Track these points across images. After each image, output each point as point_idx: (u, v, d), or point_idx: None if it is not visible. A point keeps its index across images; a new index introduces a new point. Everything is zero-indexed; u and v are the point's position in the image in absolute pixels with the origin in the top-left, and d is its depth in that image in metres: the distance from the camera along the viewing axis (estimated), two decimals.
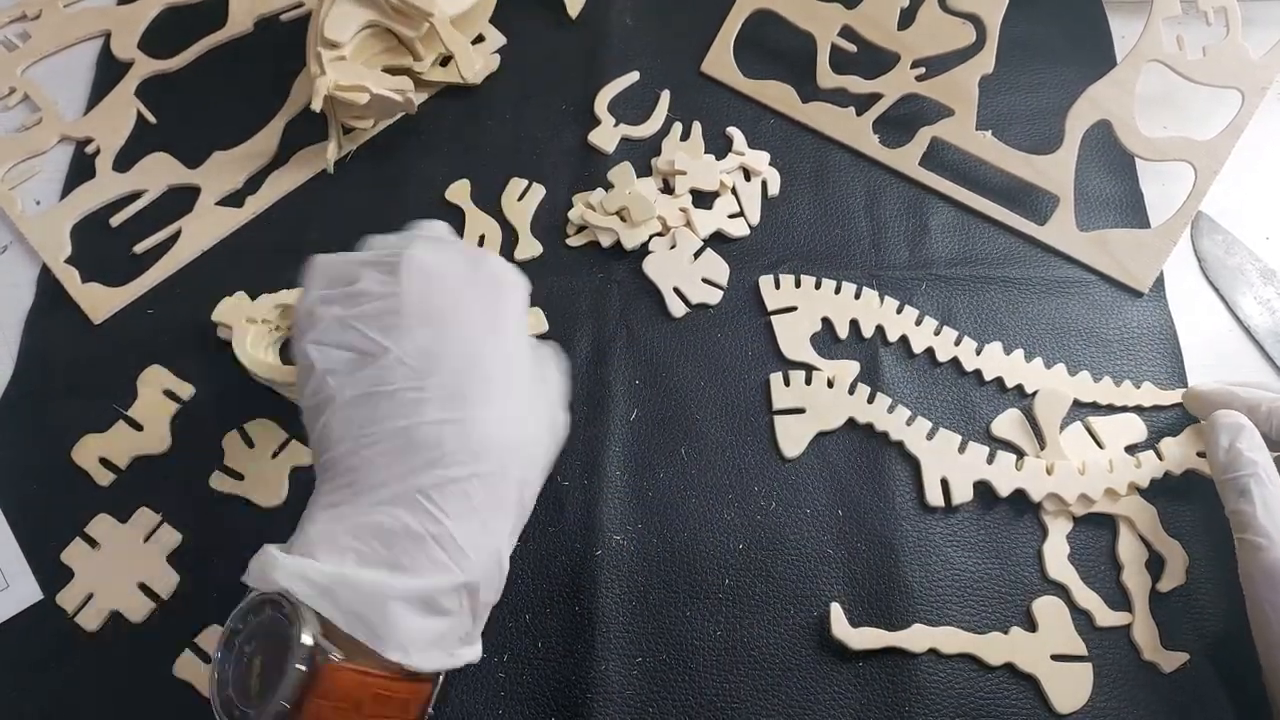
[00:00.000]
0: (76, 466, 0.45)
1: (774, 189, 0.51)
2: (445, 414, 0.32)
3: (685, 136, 0.53)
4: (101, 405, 0.46)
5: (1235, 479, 0.39)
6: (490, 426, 0.33)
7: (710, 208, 0.50)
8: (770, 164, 0.52)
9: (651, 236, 0.49)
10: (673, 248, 0.49)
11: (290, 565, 0.30)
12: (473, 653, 0.33)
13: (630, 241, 0.49)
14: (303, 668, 0.28)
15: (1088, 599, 0.41)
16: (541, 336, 0.47)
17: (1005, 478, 0.43)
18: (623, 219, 0.49)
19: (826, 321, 0.48)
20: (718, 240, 0.50)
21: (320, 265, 0.36)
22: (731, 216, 0.50)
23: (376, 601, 0.29)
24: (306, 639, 0.29)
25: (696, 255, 0.49)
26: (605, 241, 0.49)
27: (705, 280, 0.48)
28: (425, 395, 0.32)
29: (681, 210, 0.50)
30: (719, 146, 0.52)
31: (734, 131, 0.53)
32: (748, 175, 0.51)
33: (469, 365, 0.33)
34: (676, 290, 0.48)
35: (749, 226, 0.50)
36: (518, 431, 0.34)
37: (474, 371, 0.33)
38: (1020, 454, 0.44)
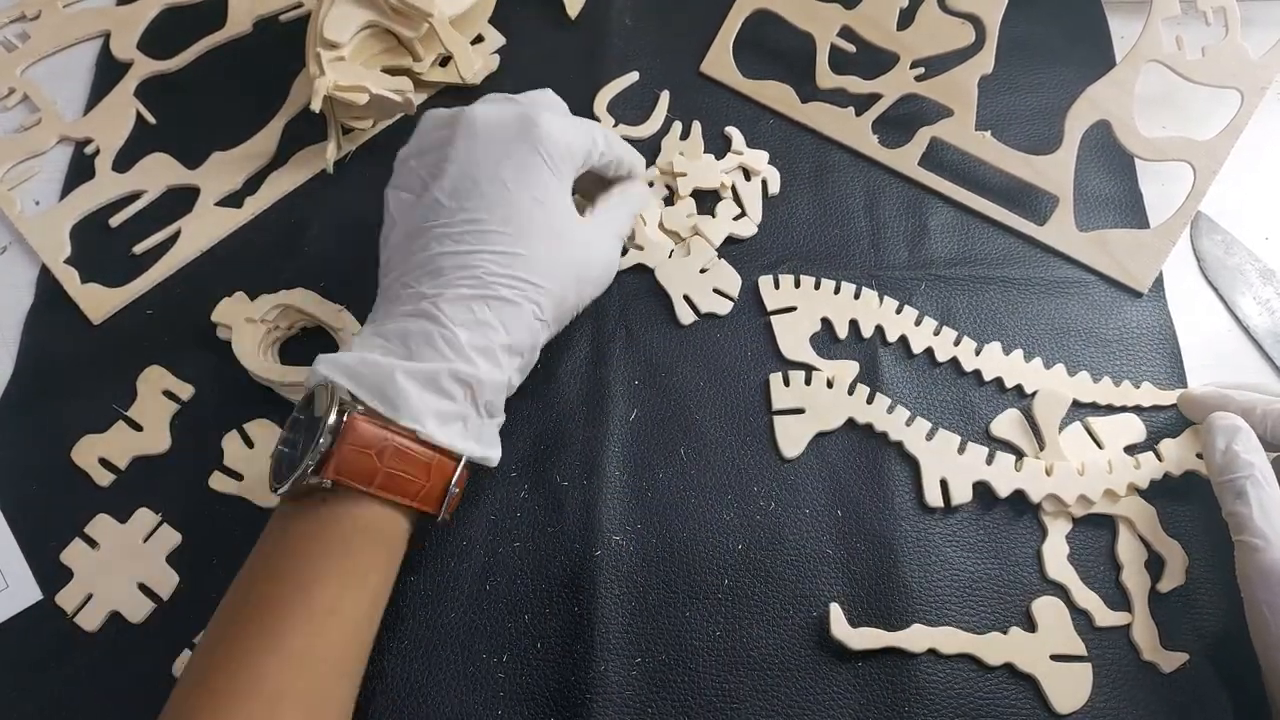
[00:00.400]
0: (76, 467, 0.45)
1: (774, 188, 0.51)
2: (461, 247, 0.38)
3: (685, 136, 0.53)
4: (101, 405, 0.46)
5: (1232, 481, 0.39)
6: (498, 262, 0.38)
7: (713, 210, 0.50)
8: (769, 163, 0.52)
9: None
10: (687, 255, 0.49)
11: (328, 358, 0.37)
12: (487, 450, 0.39)
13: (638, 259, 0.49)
14: (333, 420, 0.34)
15: (1087, 599, 0.41)
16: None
17: (1004, 478, 0.43)
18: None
19: (826, 321, 0.48)
20: (726, 243, 0.50)
21: (423, 121, 0.42)
22: (736, 218, 0.50)
23: (389, 375, 0.35)
24: (334, 408, 0.35)
25: (707, 268, 0.49)
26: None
27: (716, 290, 0.48)
28: (450, 229, 0.38)
29: (688, 216, 0.50)
30: (719, 147, 0.52)
31: (732, 131, 0.53)
32: (747, 175, 0.51)
33: (493, 205, 0.38)
34: (686, 298, 0.48)
35: (755, 226, 0.50)
36: (529, 270, 0.39)
37: (496, 210, 0.38)
38: (1020, 454, 0.44)
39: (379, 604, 0.37)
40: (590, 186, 0.46)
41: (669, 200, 0.51)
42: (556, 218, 0.40)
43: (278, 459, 0.37)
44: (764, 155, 0.52)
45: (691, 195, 0.51)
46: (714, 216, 0.50)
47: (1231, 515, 0.39)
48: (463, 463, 0.37)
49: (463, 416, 0.37)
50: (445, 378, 0.36)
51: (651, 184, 0.51)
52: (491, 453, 0.39)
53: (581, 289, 0.42)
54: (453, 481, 0.37)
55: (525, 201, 0.39)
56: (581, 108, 0.54)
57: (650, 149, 0.53)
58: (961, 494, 0.43)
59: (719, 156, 0.52)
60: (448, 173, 0.39)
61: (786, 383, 0.46)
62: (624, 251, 0.48)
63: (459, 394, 0.37)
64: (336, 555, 0.35)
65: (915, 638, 0.40)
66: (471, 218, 0.38)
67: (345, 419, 0.35)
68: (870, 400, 0.45)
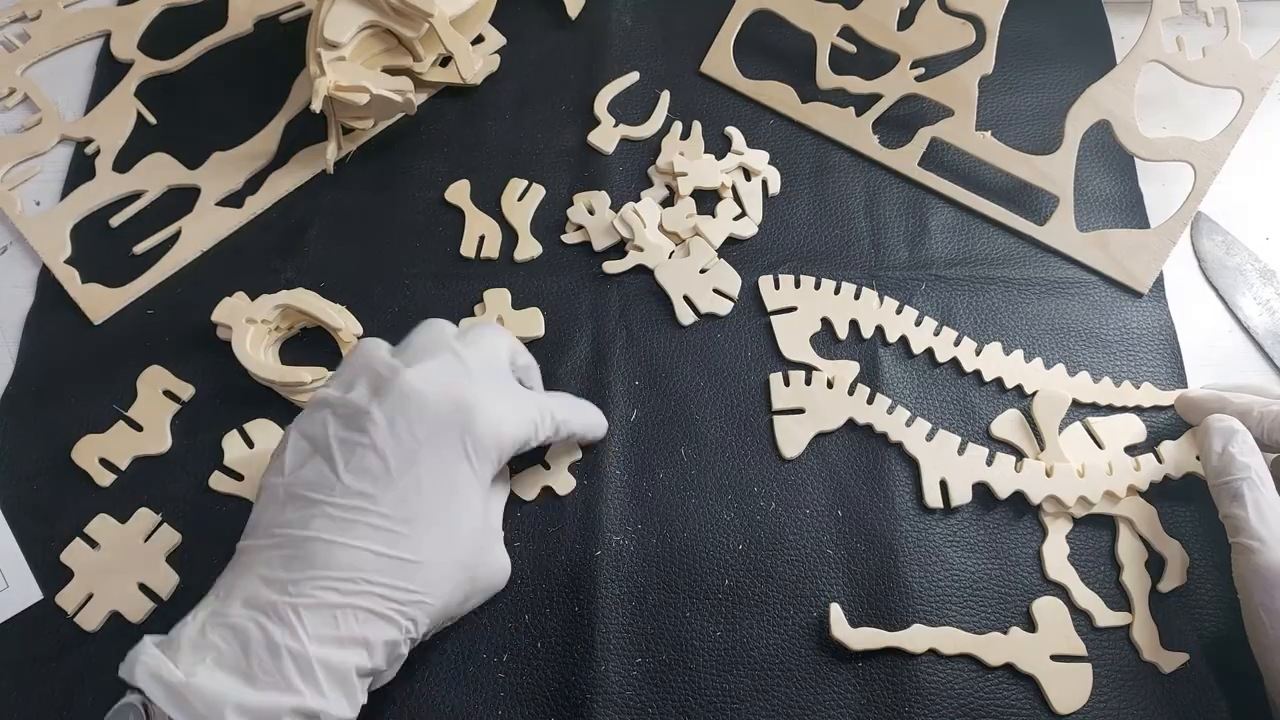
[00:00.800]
0: (76, 466, 0.45)
1: (774, 188, 0.51)
2: (345, 536, 0.33)
3: (685, 136, 0.53)
4: (101, 405, 0.46)
5: (1229, 483, 0.39)
6: (385, 564, 0.33)
7: (713, 210, 0.50)
8: (770, 163, 0.52)
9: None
10: (686, 256, 0.49)
11: (150, 663, 0.31)
12: None
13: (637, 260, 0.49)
14: None
15: (1087, 599, 0.41)
16: (540, 339, 0.47)
17: (1004, 480, 0.43)
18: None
19: (826, 322, 0.48)
20: (726, 243, 0.50)
21: (357, 351, 0.38)
22: (736, 218, 0.50)
23: (217, 709, 0.30)
24: None
25: (707, 268, 0.49)
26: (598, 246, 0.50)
27: (716, 291, 0.48)
28: (337, 511, 0.33)
29: (688, 216, 0.50)
30: (719, 147, 0.52)
31: (732, 131, 0.53)
32: (748, 175, 0.51)
33: (396, 496, 0.34)
34: (687, 299, 0.48)
35: (755, 226, 0.50)
36: (418, 580, 0.34)
37: (398, 505, 0.34)
38: (1020, 455, 0.44)
39: None
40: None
41: (669, 201, 0.51)
42: (462, 522, 0.35)
43: None
44: (764, 155, 0.52)
45: (691, 195, 0.51)
46: (714, 216, 0.50)
47: (1228, 517, 0.39)
48: None
49: None
50: (285, 714, 0.30)
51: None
52: None
53: (466, 602, 0.37)
54: None
55: (433, 500, 0.34)
56: (582, 108, 0.54)
57: (650, 149, 0.53)
58: (961, 495, 0.43)
59: (719, 157, 0.52)
60: (356, 443, 0.34)
61: (787, 383, 0.46)
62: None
63: None
64: None
65: (915, 638, 0.40)
66: (365, 505, 0.33)
67: None
68: (870, 401, 0.45)
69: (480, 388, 0.36)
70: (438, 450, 0.35)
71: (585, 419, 0.42)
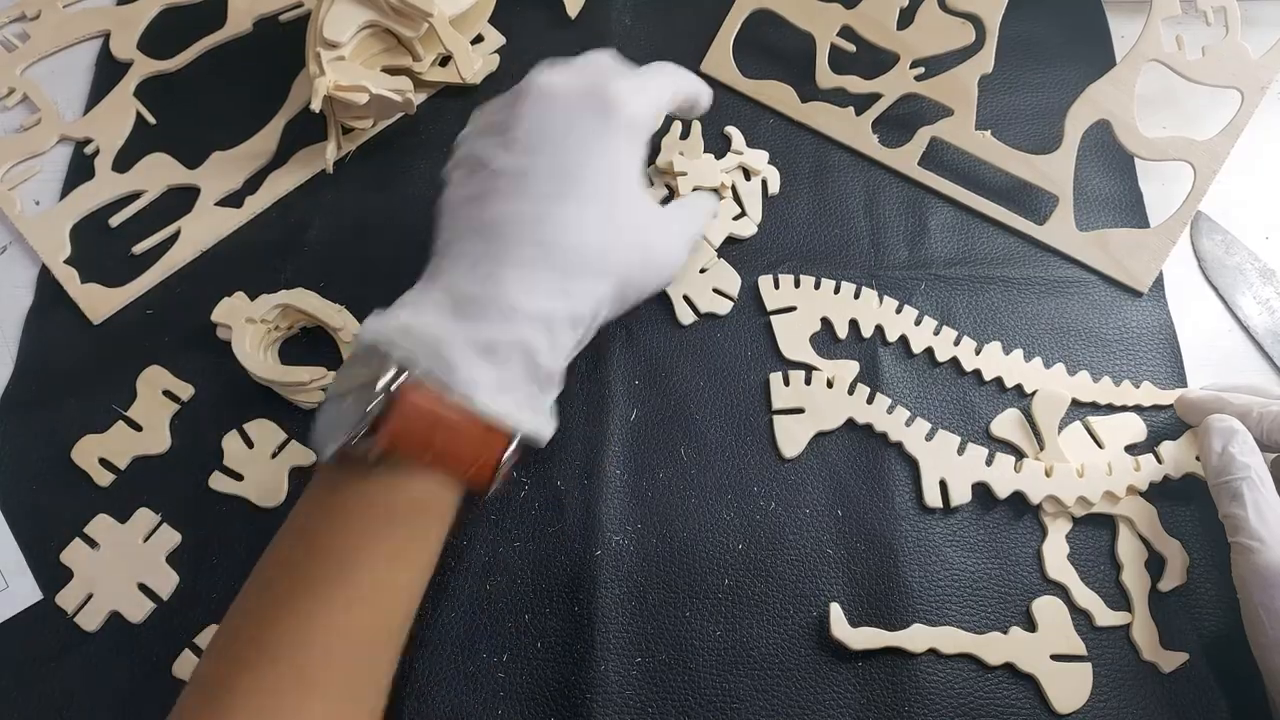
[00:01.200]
0: (76, 466, 0.45)
1: (774, 187, 0.51)
2: (526, 206, 0.36)
3: (685, 135, 0.53)
4: (101, 405, 0.46)
5: (1228, 483, 0.39)
6: (561, 230, 0.36)
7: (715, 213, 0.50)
8: (769, 163, 0.52)
9: None
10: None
11: (379, 317, 0.35)
12: (541, 424, 0.36)
13: None
14: (382, 395, 0.32)
15: (1087, 599, 0.41)
16: None
17: (1003, 480, 0.43)
18: None
19: (826, 321, 0.48)
20: (726, 243, 0.50)
21: (481, 109, 0.41)
22: (736, 218, 0.50)
23: (445, 340, 0.33)
24: (389, 372, 0.33)
25: (706, 268, 0.49)
26: None
27: (716, 290, 0.48)
28: (516, 190, 0.36)
29: None
30: (718, 146, 0.52)
31: (732, 130, 0.53)
32: (747, 175, 0.51)
33: (562, 175, 0.37)
34: (686, 299, 0.48)
35: (755, 226, 0.50)
36: (592, 243, 0.37)
37: (564, 181, 0.37)
38: (1020, 455, 0.44)
39: (425, 578, 0.36)
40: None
41: (667, 201, 0.51)
42: (629, 190, 0.38)
43: (324, 419, 0.34)
44: (764, 155, 0.52)
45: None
46: (714, 216, 0.50)
47: (1228, 517, 0.39)
48: (516, 439, 0.35)
49: (519, 387, 0.35)
50: (503, 345, 0.34)
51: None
52: (545, 428, 0.37)
53: (646, 272, 0.40)
54: (504, 458, 0.35)
55: (599, 168, 0.37)
56: None
57: (650, 149, 0.53)
58: (961, 495, 0.43)
59: (719, 156, 0.52)
60: (517, 135, 0.37)
61: (786, 382, 0.46)
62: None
63: (516, 364, 0.35)
64: (383, 529, 0.34)
65: (915, 638, 0.40)
66: (541, 180, 0.36)
67: (399, 387, 0.33)
68: (870, 400, 0.45)
69: (605, 76, 0.39)
70: (590, 128, 0.37)
71: (699, 85, 0.44)
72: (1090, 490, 0.42)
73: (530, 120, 0.37)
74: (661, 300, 0.48)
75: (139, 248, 0.50)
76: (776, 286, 0.48)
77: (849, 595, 0.41)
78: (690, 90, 0.43)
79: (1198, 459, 0.43)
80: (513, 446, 0.35)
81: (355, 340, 0.36)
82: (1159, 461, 0.43)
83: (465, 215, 0.37)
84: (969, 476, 0.43)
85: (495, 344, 0.34)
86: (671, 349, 0.47)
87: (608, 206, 0.37)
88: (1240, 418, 0.41)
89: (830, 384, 0.45)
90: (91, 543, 0.43)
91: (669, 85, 0.41)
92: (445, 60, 0.54)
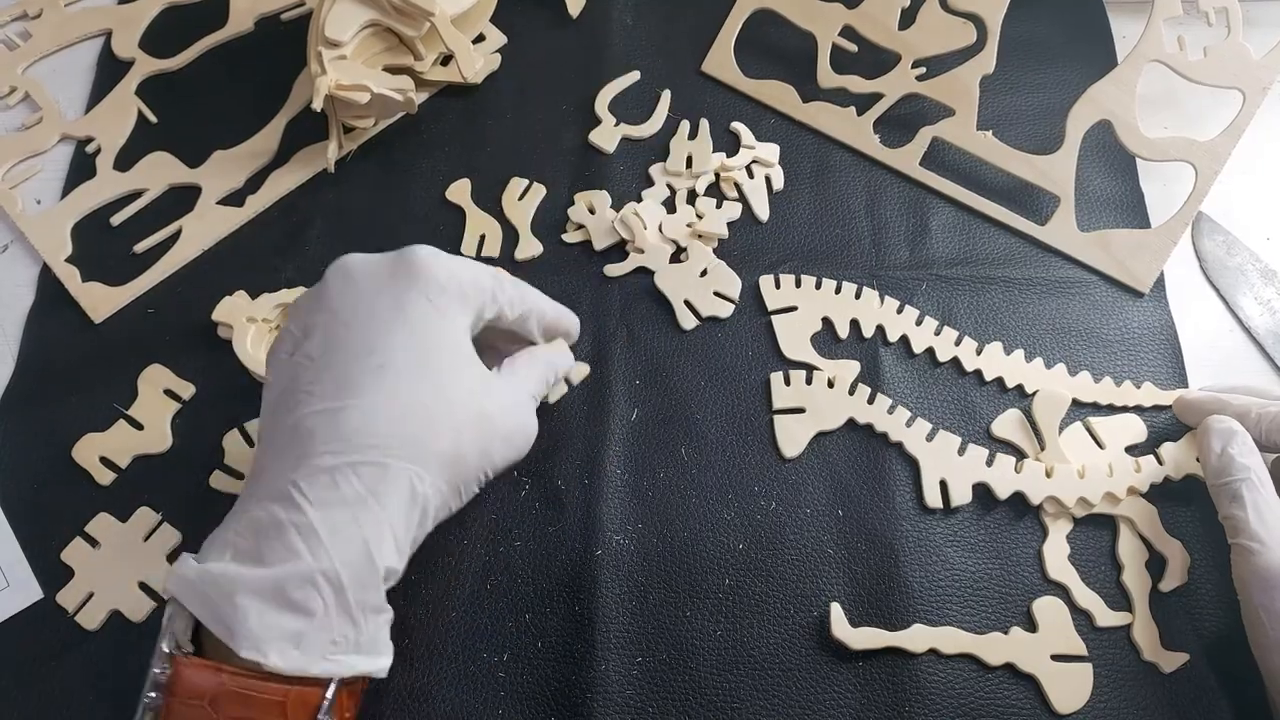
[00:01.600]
0: (77, 466, 0.45)
1: (777, 184, 0.51)
2: (325, 404, 0.33)
3: (693, 135, 0.53)
4: (102, 404, 0.46)
5: (1228, 484, 0.39)
6: (368, 416, 0.32)
7: (719, 203, 0.51)
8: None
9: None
10: (685, 261, 0.49)
11: (177, 566, 0.31)
12: (368, 663, 0.32)
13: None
14: (157, 670, 0.30)
15: (1088, 599, 0.41)
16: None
17: (1004, 480, 0.43)
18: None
19: (827, 321, 0.48)
20: (727, 243, 0.50)
21: (296, 299, 0.38)
22: (738, 215, 0.51)
23: (228, 593, 0.30)
24: (164, 641, 0.30)
25: (706, 271, 0.49)
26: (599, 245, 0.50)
27: (717, 294, 0.48)
28: (315, 389, 0.33)
29: (689, 226, 0.50)
30: (719, 147, 0.52)
31: (739, 127, 0.53)
32: (750, 172, 0.51)
33: (364, 355, 0.33)
34: (687, 303, 0.48)
35: (758, 221, 0.50)
36: (408, 423, 0.33)
37: (367, 361, 0.33)
38: (1020, 455, 0.44)
39: None
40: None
41: (669, 203, 0.51)
42: (443, 359, 0.35)
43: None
44: (775, 149, 0.52)
45: (706, 194, 0.51)
46: (719, 208, 0.50)
47: (1228, 519, 0.39)
48: (333, 685, 0.31)
49: (325, 628, 0.31)
50: (295, 586, 0.30)
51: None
52: (377, 661, 0.32)
53: (486, 447, 0.35)
54: (322, 710, 0.31)
55: (404, 342, 0.34)
56: (582, 107, 0.54)
57: (651, 149, 0.53)
58: (961, 495, 0.43)
59: (729, 155, 0.52)
60: (319, 322, 0.34)
61: (787, 382, 0.46)
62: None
63: (316, 602, 0.30)
64: None
65: (916, 638, 0.40)
66: (338, 367, 0.33)
67: (171, 666, 0.30)
68: (871, 400, 0.45)
69: (415, 248, 0.36)
70: (394, 298, 0.34)
71: (555, 308, 0.41)
72: (1091, 491, 0.42)
73: (334, 298, 0.35)
74: (662, 300, 0.48)
75: (140, 246, 0.50)
76: (777, 286, 0.48)
77: (849, 595, 0.41)
78: (532, 303, 0.40)
79: (1198, 460, 0.43)
80: (330, 691, 0.31)
81: (165, 578, 0.33)
82: (1160, 462, 0.43)
83: (273, 419, 0.34)
84: (970, 477, 0.43)
85: (285, 586, 0.30)
86: (672, 349, 0.47)
87: (419, 383, 0.33)
88: (1239, 419, 0.41)
89: (831, 384, 0.45)
90: (92, 541, 0.43)
91: (499, 277, 0.38)
92: (447, 59, 0.54)
